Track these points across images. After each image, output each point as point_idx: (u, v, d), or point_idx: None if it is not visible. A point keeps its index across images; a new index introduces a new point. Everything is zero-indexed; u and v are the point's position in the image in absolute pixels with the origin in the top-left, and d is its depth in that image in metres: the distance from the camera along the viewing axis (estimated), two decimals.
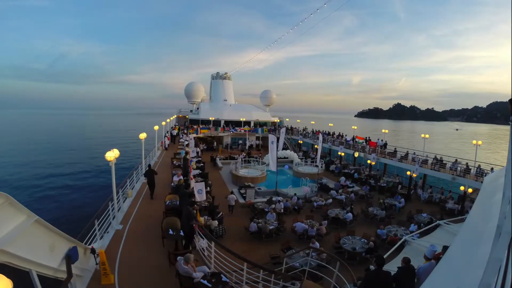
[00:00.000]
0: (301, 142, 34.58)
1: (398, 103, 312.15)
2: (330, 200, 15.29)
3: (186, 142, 23.89)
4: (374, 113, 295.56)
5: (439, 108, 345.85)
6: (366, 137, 27.05)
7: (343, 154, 25.15)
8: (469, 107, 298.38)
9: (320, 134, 32.63)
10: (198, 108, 39.59)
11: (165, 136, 28.71)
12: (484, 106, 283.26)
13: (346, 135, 30.07)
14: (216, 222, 10.44)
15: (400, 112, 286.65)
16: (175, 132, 32.81)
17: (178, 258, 5.82)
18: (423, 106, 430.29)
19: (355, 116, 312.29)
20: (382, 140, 24.60)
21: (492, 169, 15.48)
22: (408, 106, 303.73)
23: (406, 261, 5.04)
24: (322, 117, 60.61)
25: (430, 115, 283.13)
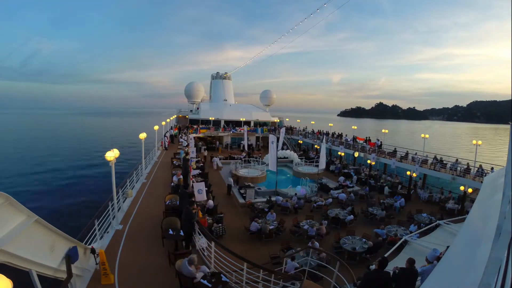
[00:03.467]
0: (301, 142, 34.61)
1: (380, 102, 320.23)
2: (330, 200, 15.30)
3: (186, 143, 23.82)
4: (356, 112, 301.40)
5: (420, 107, 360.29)
6: (366, 137, 27.22)
7: (343, 154, 25.17)
8: (450, 106, 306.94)
9: (319, 134, 32.73)
10: (198, 108, 39.62)
11: (164, 135, 28.73)
12: (465, 105, 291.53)
13: (346, 135, 30.22)
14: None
15: (382, 111, 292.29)
16: (173, 132, 32.67)
17: (184, 260, 5.79)
18: (404, 106, 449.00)
19: (338, 115, 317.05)
20: (378, 140, 24.99)
21: (492, 169, 15.50)
22: (390, 105, 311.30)
23: (410, 262, 5.04)
24: (305, 116, 60.82)
25: (412, 114, 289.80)
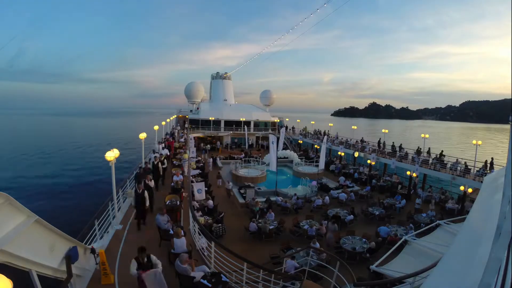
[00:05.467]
0: (301, 142, 34.61)
1: (373, 102, 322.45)
2: (327, 198, 15.29)
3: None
4: (350, 112, 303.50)
5: (413, 107, 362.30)
6: (362, 138, 27.52)
7: (343, 154, 25.19)
8: (443, 106, 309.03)
9: (321, 135, 32.70)
10: (198, 108, 39.65)
11: (166, 135, 28.75)
12: (457, 105, 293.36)
13: (350, 139, 30.08)
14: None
15: (375, 111, 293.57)
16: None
17: (176, 260, 5.81)
18: (398, 105, 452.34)
19: (332, 115, 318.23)
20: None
21: (492, 169, 15.51)
22: (383, 105, 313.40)
23: None
24: (299, 116, 60.76)
25: (405, 114, 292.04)
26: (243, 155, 25.82)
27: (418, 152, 20.89)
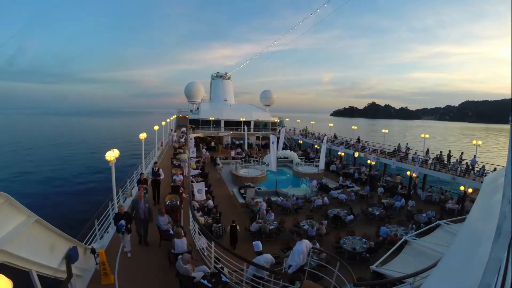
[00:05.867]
0: (301, 142, 34.64)
1: (373, 102, 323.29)
2: (325, 198, 15.29)
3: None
4: (349, 112, 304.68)
5: (412, 107, 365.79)
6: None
7: (343, 154, 25.19)
8: (442, 106, 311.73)
9: (322, 135, 32.76)
10: (198, 108, 39.67)
11: (170, 134, 28.75)
12: (456, 105, 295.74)
13: (350, 139, 29.93)
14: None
15: (375, 111, 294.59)
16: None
17: (179, 257, 5.83)
18: (397, 105, 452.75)
19: (331, 115, 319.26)
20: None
21: (495, 169, 15.51)
22: (382, 105, 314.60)
23: None
24: (299, 116, 60.65)
25: (404, 114, 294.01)
26: (239, 149, 26.03)
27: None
